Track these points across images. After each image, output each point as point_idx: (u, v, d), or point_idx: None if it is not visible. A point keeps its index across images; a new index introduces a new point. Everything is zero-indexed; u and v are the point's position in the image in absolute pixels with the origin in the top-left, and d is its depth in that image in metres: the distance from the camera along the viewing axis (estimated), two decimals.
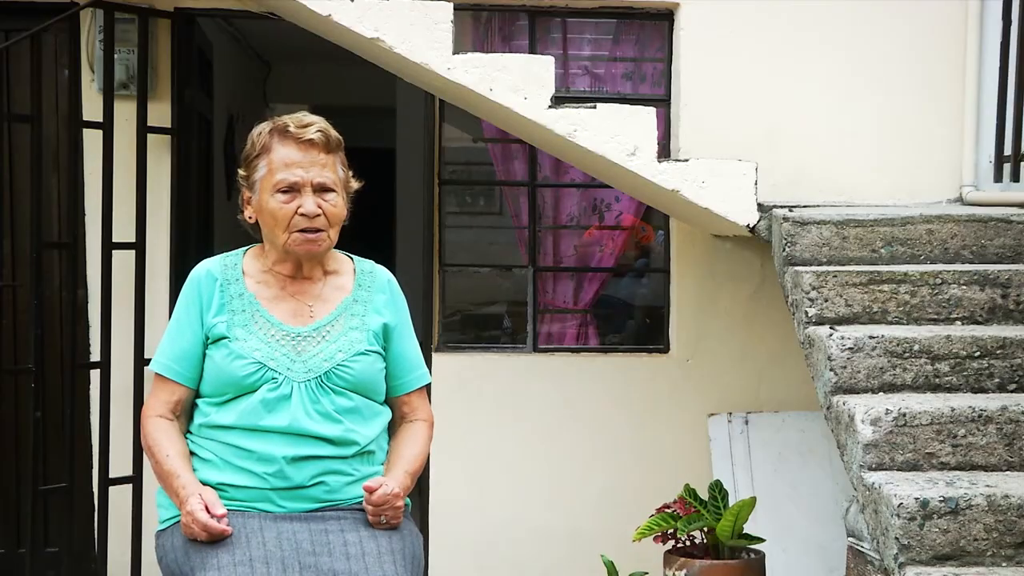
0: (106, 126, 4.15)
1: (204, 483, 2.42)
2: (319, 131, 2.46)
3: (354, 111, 8.40)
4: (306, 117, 2.49)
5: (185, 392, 2.49)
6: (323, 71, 7.31)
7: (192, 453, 2.48)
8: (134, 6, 4.23)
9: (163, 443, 2.45)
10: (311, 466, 2.42)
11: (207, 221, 5.48)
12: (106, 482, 4.16)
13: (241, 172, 2.52)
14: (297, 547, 2.33)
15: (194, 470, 2.44)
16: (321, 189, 2.46)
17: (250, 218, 2.53)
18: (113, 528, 4.19)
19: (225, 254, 2.58)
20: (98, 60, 4.30)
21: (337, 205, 2.48)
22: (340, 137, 2.52)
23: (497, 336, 4.77)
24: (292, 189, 2.44)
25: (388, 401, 2.62)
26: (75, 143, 4.24)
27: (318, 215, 2.44)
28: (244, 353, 2.43)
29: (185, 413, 2.52)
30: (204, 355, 2.48)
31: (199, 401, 2.50)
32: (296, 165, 2.44)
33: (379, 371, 2.54)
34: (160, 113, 4.35)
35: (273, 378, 2.43)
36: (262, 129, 2.49)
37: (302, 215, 2.43)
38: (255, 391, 2.43)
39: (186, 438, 2.51)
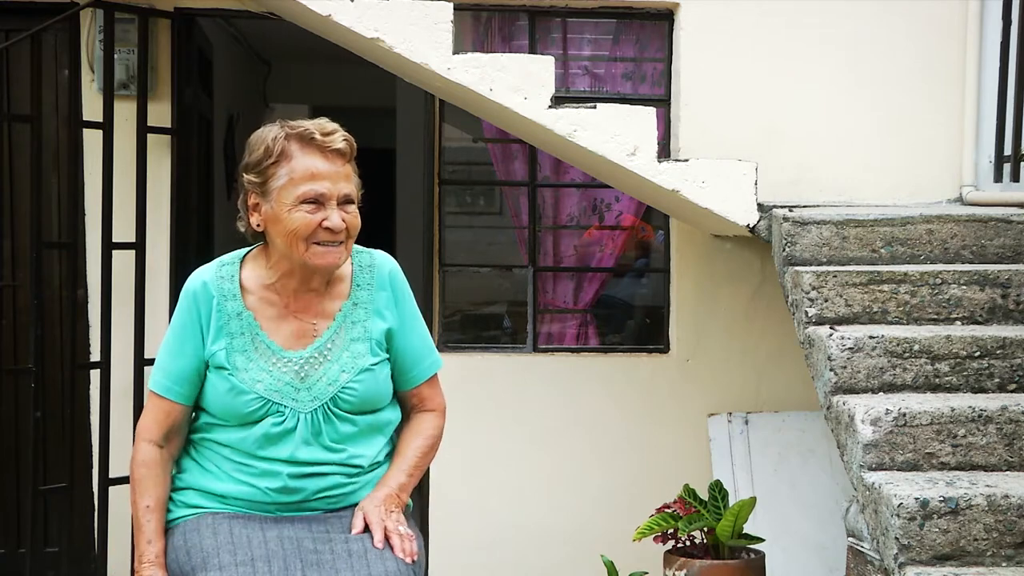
0: (106, 126, 4.15)
1: (203, 491, 2.41)
2: (344, 140, 2.36)
3: (354, 111, 8.40)
4: (327, 124, 2.37)
5: (182, 410, 2.43)
6: (323, 71, 7.31)
7: (192, 459, 2.46)
8: (134, 6, 4.24)
9: (146, 488, 2.41)
10: (314, 482, 2.40)
11: (207, 221, 5.48)
12: (106, 482, 4.16)
13: (252, 178, 2.37)
14: (299, 547, 2.32)
15: (188, 475, 2.45)
16: (345, 201, 2.36)
17: (257, 226, 2.39)
18: (113, 528, 4.19)
19: (221, 262, 2.47)
20: (98, 60, 4.30)
21: (356, 216, 2.39)
22: (355, 142, 2.42)
23: (497, 336, 4.77)
24: (317, 201, 2.32)
25: (398, 394, 2.55)
26: (75, 143, 4.24)
27: (343, 229, 2.35)
28: (246, 387, 2.36)
29: (182, 429, 2.47)
30: (204, 374, 2.40)
31: (201, 413, 2.45)
32: (323, 177, 2.32)
33: (384, 380, 2.47)
34: (160, 113, 4.35)
35: (278, 411, 2.38)
36: (276, 134, 2.35)
37: (327, 229, 2.32)
38: (259, 422, 2.38)
39: (184, 445, 2.48)
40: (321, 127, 2.35)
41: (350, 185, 2.37)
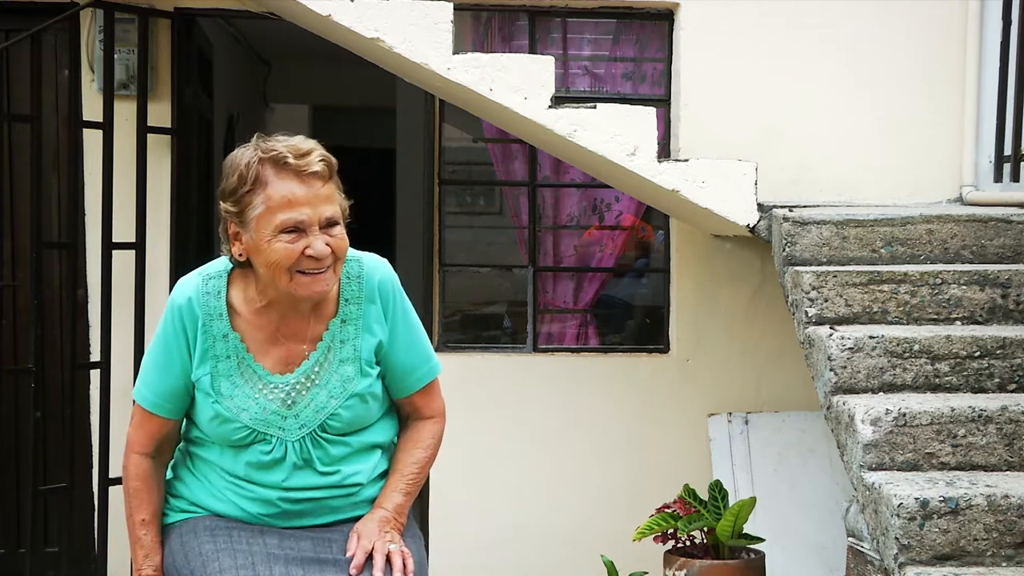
0: (106, 126, 4.15)
1: (197, 504, 2.38)
2: (321, 160, 2.21)
3: (354, 111, 8.45)
4: (302, 143, 2.22)
5: (174, 424, 2.38)
6: (323, 71, 7.31)
7: (188, 469, 2.42)
8: (134, 6, 4.24)
9: (141, 501, 2.36)
10: (310, 506, 2.36)
11: (207, 221, 5.48)
12: (106, 482, 4.16)
13: (228, 207, 2.23)
14: (299, 551, 2.30)
15: (183, 485, 2.41)
16: (328, 224, 2.22)
17: (240, 255, 2.27)
18: (113, 528, 4.18)
19: (207, 274, 2.34)
20: (98, 60, 4.30)
21: (343, 237, 2.25)
22: (334, 159, 2.28)
23: (497, 336, 4.77)
24: (297, 229, 2.19)
25: (394, 401, 2.47)
26: (75, 143, 4.24)
27: (328, 255, 2.22)
28: (232, 416, 2.29)
29: (174, 439, 2.42)
30: (193, 391, 2.33)
31: (192, 426, 2.40)
32: (301, 203, 2.18)
33: (374, 400, 2.37)
34: (160, 113, 4.35)
35: (265, 439, 2.31)
36: (250, 159, 2.20)
37: (310, 257, 2.20)
38: (247, 447, 2.32)
39: (181, 450, 2.45)
40: (295, 149, 2.20)
41: (333, 206, 2.23)
